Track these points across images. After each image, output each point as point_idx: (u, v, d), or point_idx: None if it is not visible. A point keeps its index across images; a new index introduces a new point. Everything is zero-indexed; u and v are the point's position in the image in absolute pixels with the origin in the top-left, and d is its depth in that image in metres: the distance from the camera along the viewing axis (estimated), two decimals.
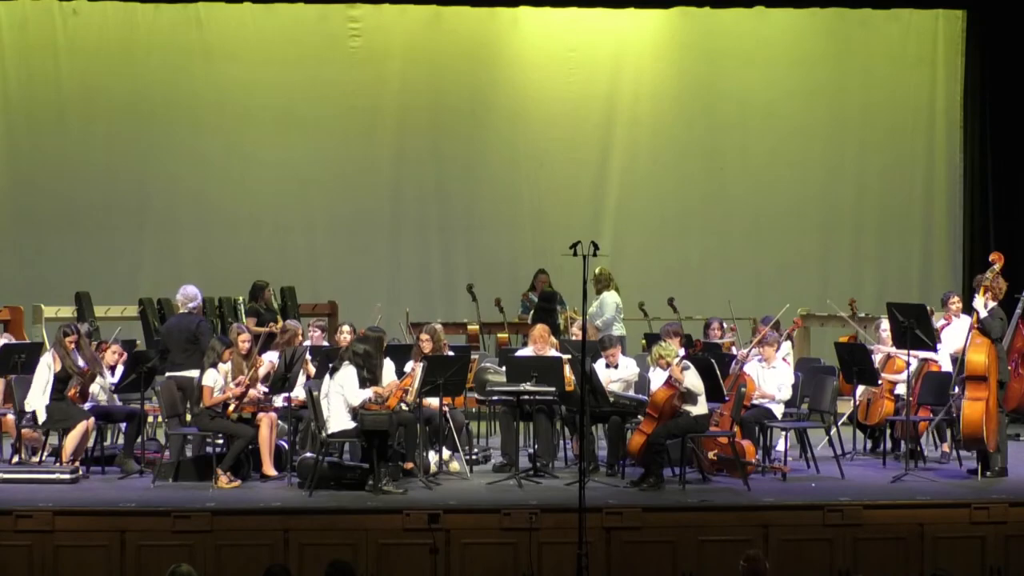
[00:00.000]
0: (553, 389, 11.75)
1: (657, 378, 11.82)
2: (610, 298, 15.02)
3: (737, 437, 11.78)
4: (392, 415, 11.24)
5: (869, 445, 13.33)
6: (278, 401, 12.10)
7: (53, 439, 12.11)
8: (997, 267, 11.90)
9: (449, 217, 17.72)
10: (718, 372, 11.85)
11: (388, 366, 11.72)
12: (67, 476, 11.38)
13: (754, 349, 12.45)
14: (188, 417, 12.03)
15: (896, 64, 17.84)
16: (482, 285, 16.15)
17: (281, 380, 12.07)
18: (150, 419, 12.81)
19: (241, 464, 11.58)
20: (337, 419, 11.19)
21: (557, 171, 17.68)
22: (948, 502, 10.83)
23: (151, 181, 17.33)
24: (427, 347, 12.33)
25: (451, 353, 12.45)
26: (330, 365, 11.46)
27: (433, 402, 11.88)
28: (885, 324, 12.81)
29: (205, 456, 11.74)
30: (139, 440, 12.14)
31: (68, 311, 15.18)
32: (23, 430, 12.01)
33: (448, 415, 12.06)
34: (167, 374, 12.42)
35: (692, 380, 11.41)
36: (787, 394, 12.29)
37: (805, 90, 17.82)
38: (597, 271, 14.92)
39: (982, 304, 11.72)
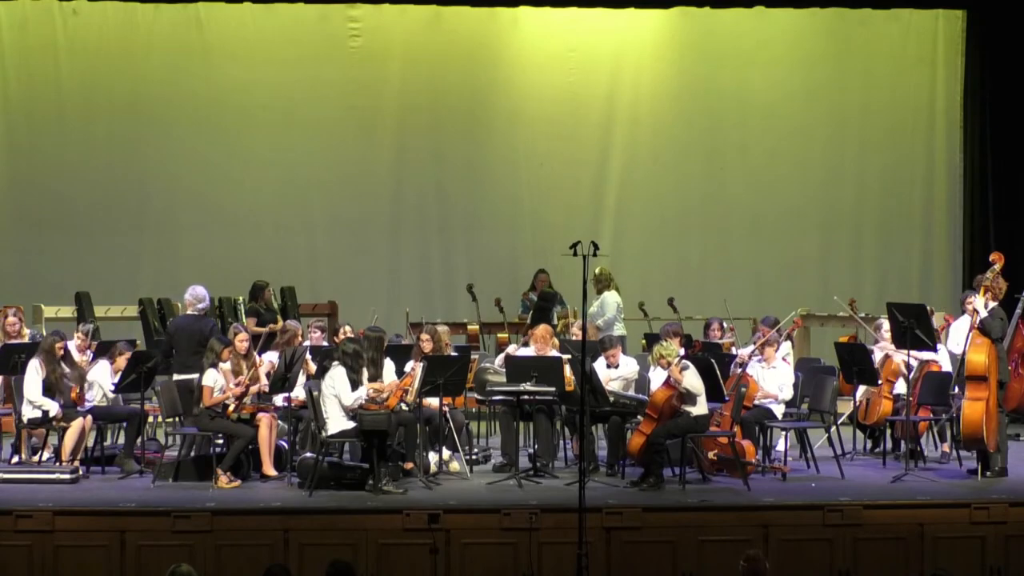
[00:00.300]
0: (553, 389, 11.75)
1: (657, 378, 11.82)
2: (611, 298, 15.02)
3: (737, 437, 11.78)
4: (392, 415, 11.25)
5: (869, 445, 13.33)
6: (278, 401, 12.10)
7: (53, 439, 12.12)
8: (997, 267, 11.90)
9: (449, 217, 17.72)
10: (718, 372, 11.85)
11: (388, 366, 11.74)
12: (67, 476, 11.38)
13: (752, 349, 12.45)
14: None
15: (896, 64, 17.83)
16: (482, 285, 16.14)
17: (281, 380, 12.08)
18: (150, 419, 12.81)
19: (241, 464, 11.58)
20: (335, 420, 11.20)
21: (557, 171, 17.68)
22: (948, 502, 10.83)
23: (151, 181, 17.33)
24: (427, 347, 12.33)
25: (455, 353, 12.45)
26: (323, 365, 11.49)
27: (433, 402, 11.88)
28: (886, 324, 12.80)
29: (205, 456, 11.74)
30: (139, 440, 12.15)
31: (68, 311, 15.19)
32: (35, 429, 12.01)
33: (448, 415, 12.06)
34: (174, 376, 12.43)
35: (691, 380, 11.40)
36: (788, 394, 12.30)
37: (805, 90, 17.81)
38: (597, 271, 14.92)
39: (982, 304, 11.72)
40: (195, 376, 11.91)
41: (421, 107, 17.57)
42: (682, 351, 11.92)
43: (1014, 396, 12.47)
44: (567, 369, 11.92)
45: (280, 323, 13.76)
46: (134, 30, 17.17)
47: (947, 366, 12.63)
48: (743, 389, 11.98)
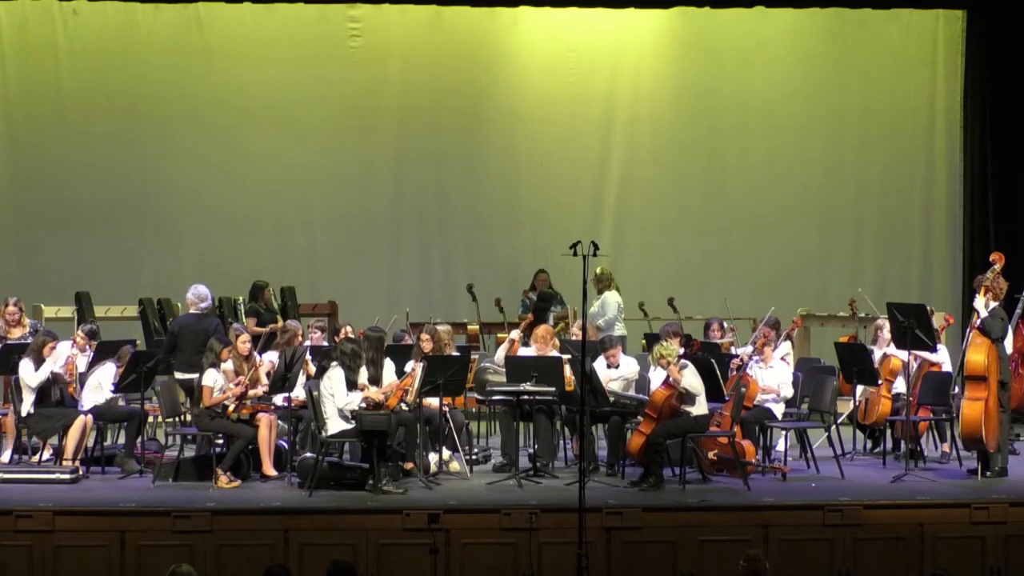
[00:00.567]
0: (553, 389, 11.75)
1: (658, 378, 11.82)
2: (611, 298, 15.01)
3: (737, 437, 11.78)
4: (392, 415, 11.25)
5: (869, 445, 13.33)
6: (278, 401, 12.10)
7: (53, 439, 12.12)
8: (998, 267, 11.90)
9: (449, 217, 17.71)
10: (718, 372, 11.85)
11: (388, 366, 11.74)
12: (67, 476, 11.39)
13: (749, 349, 12.46)
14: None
15: (896, 64, 17.82)
16: (482, 285, 16.14)
17: (281, 380, 12.08)
18: (150, 419, 12.81)
19: (241, 464, 11.59)
20: (335, 420, 11.21)
21: (557, 171, 17.67)
22: (948, 502, 10.84)
23: (151, 181, 17.31)
24: (427, 347, 12.33)
25: (456, 353, 12.45)
26: (322, 365, 11.49)
27: (433, 402, 11.88)
28: (886, 324, 12.80)
29: (205, 456, 11.74)
30: (139, 440, 12.15)
31: (68, 311, 15.19)
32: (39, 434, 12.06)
33: (448, 415, 12.06)
34: (176, 375, 12.44)
35: (690, 380, 11.40)
36: (789, 392, 12.28)
37: (805, 90, 17.80)
38: (599, 271, 14.90)
39: (982, 304, 11.72)
40: (196, 376, 11.92)
41: (421, 107, 17.56)
42: (681, 351, 11.92)
43: (1015, 396, 12.48)
44: (567, 369, 11.92)
45: (280, 323, 13.76)
46: (134, 30, 17.15)
47: (947, 366, 12.62)
48: (743, 389, 11.99)
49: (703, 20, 17.55)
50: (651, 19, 17.69)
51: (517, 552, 10.27)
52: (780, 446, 12.54)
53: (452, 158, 17.68)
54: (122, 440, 12.63)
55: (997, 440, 11.68)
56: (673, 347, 11.72)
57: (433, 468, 11.79)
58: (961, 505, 10.73)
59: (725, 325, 14.31)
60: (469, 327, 15.96)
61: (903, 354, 12.24)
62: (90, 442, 12.00)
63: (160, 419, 12.69)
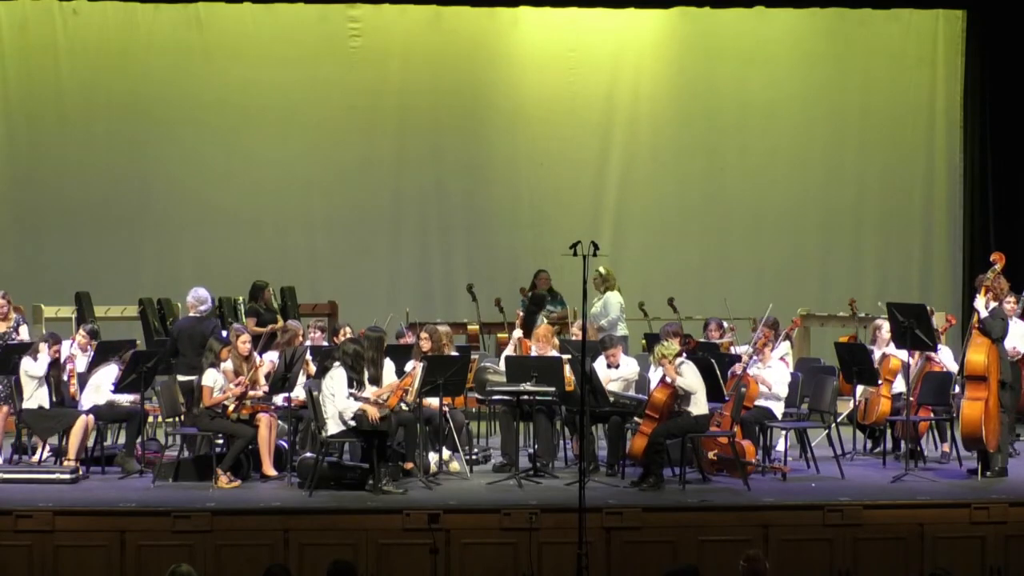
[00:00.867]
0: (553, 389, 11.74)
1: (658, 378, 11.80)
2: (614, 298, 14.98)
3: (737, 437, 11.78)
4: (392, 415, 11.24)
5: (869, 445, 13.33)
6: (278, 401, 12.10)
7: (53, 439, 12.12)
8: (998, 267, 11.89)
9: (449, 217, 17.71)
10: (718, 372, 11.85)
11: (388, 366, 11.74)
12: (67, 476, 11.39)
13: (748, 348, 12.44)
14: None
15: (896, 64, 17.83)
16: (482, 285, 16.13)
17: (281, 380, 12.08)
18: (150, 419, 12.81)
19: (241, 464, 11.59)
20: (335, 420, 11.20)
21: (557, 171, 17.67)
22: (948, 502, 10.84)
23: (151, 181, 17.32)
24: (426, 346, 12.33)
25: (456, 353, 12.45)
26: (324, 365, 11.49)
27: (433, 402, 11.88)
28: (885, 325, 12.79)
29: (205, 456, 11.74)
30: (139, 440, 12.15)
31: (68, 311, 15.19)
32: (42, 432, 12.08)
33: (448, 415, 12.06)
34: (178, 376, 12.45)
35: (686, 379, 11.39)
36: (782, 391, 12.25)
37: (805, 90, 17.80)
38: (603, 271, 14.87)
39: (982, 304, 11.72)
40: (197, 377, 11.92)
41: (421, 107, 17.56)
42: (683, 355, 11.89)
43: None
44: (567, 369, 11.92)
45: (280, 323, 13.76)
46: (134, 30, 17.16)
47: (951, 366, 12.62)
48: (743, 389, 11.98)
49: (703, 20, 17.55)
50: (651, 19, 17.69)
51: (517, 552, 10.27)
52: (780, 446, 12.54)
53: (452, 158, 17.68)
54: (122, 440, 12.63)
55: (997, 440, 11.67)
56: (673, 346, 11.71)
57: (433, 468, 11.79)
58: (961, 505, 10.72)
59: (725, 325, 14.31)
60: (469, 327, 15.97)
61: (903, 354, 12.24)
62: (90, 442, 12.00)
63: (160, 419, 12.69)
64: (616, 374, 12.41)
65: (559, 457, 12.35)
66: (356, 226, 17.60)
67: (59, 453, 11.98)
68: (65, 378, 12.15)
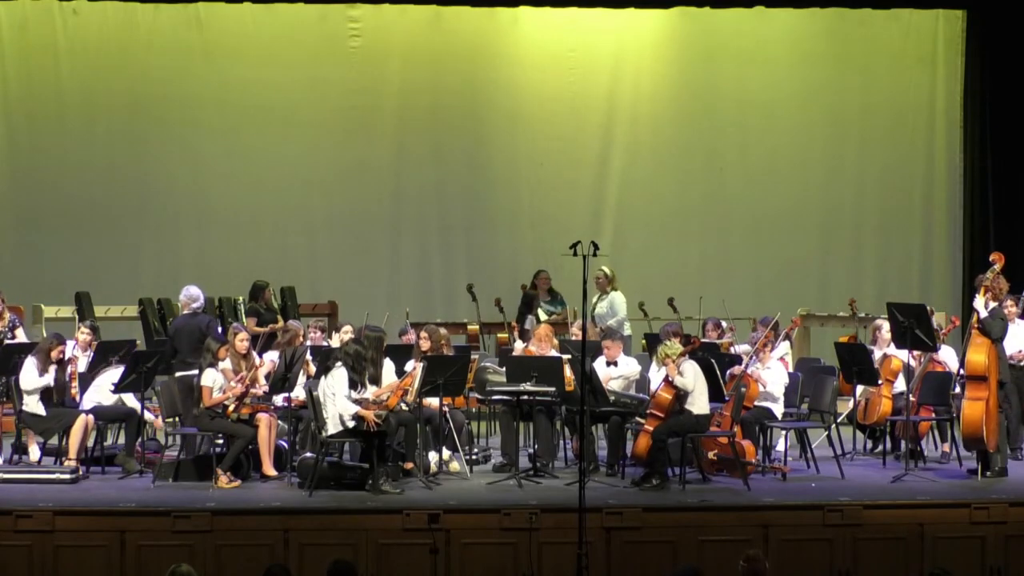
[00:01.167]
0: (553, 389, 11.74)
1: (661, 378, 11.79)
2: (620, 298, 14.95)
3: (737, 437, 11.78)
4: (392, 415, 11.24)
5: (869, 445, 13.33)
6: (278, 401, 12.10)
7: (52, 439, 12.12)
8: (997, 267, 11.89)
9: (449, 217, 17.71)
10: (718, 372, 11.85)
11: (388, 366, 11.73)
12: (67, 476, 11.39)
13: (748, 348, 12.44)
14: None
15: (896, 64, 17.83)
16: (482, 285, 16.12)
17: (281, 380, 12.08)
18: (149, 418, 12.80)
19: (241, 464, 11.58)
20: (335, 420, 11.19)
21: (557, 171, 17.67)
22: (948, 502, 10.84)
23: (151, 181, 17.32)
24: (425, 346, 12.33)
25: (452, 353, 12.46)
26: (325, 365, 11.48)
27: (433, 402, 11.88)
28: (885, 325, 12.79)
29: (205, 456, 11.75)
30: (139, 440, 12.15)
31: (68, 311, 15.20)
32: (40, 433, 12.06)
33: (448, 415, 12.06)
34: (177, 373, 12.45)
35: (685, 378, 11.38)
36: (779, 391, 12.23)
37: (805, 90, 17.80)
38: (607, 271, 14.84)
39: (982, 304, 11.72)
40: (195, 372, 11.92)
41: (421, 107, 17.56)
42: (686, 356, 11.89)
43: None
44: (567, 369, 11.92)
45: (281, 323, 13.76)
46: (134, 30, 17.16)
47: (953, 366, 12.61)
48: (743, 389, 11.98)
49: (703, 20, 17.55)
50: (651, 19, 17.69)
51: (517, 552, 10.27)
52: (780, 446, 12.54)
53: (452, 158, 17.68)
54: (122, 440, 12.62)
55: (997, 440, 11.68)
56: (676, 346, 11.71)
57: (433, 468, 11.79)
58: (961, 505, 10.72)
59: (723, 324, 14.30)
60: (469, 327, 15.96)
61: (903, 354, 12.23)
62: (90, 442, 12.00)
63: (160, 420, 12.68)
64: (616, 373, 12.41)
65: (559, 457, 12.34)
66: (356, 226, 17.60)
67: (58, 453, 11.97)
68: (67, 379, 12.13)
